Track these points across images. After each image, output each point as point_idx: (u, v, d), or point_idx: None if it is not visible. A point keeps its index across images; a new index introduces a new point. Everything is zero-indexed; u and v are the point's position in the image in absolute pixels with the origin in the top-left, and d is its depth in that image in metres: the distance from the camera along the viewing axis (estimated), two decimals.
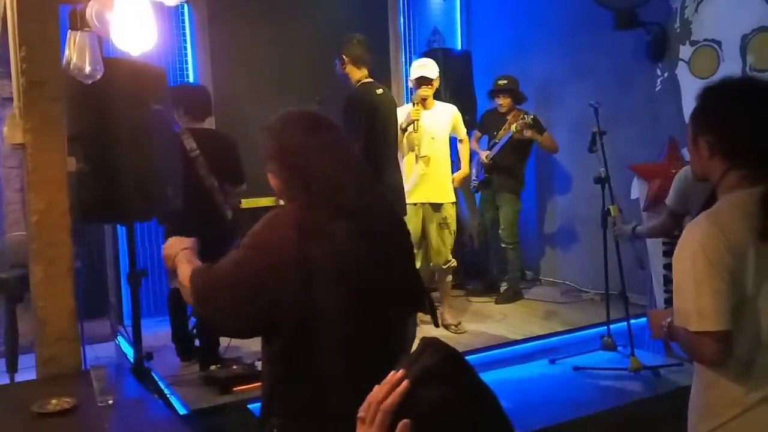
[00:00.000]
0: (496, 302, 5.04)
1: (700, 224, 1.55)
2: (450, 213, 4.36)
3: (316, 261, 1.48)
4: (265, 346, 1.62)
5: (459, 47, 6.17)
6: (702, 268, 1.50)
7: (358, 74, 3.89)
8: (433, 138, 4.33)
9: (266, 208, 1.91)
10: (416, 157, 4.31)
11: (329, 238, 1.50)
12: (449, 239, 4.36)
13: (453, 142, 4.65)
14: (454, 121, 4.48)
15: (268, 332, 1.56)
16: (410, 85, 4.53)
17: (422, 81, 4.30)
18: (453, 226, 4.38)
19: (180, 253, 1.72)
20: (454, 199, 4.43)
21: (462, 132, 4.60)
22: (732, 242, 1.50)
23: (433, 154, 4.32)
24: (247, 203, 4.11)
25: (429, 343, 0.94)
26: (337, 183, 1.56)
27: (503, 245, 5.08)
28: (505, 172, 5.01)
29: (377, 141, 3.80)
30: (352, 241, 1.52)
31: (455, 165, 4.66)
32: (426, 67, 4.34)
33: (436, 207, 4.33)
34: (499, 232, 5.07)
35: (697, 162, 1.66)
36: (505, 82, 4.98)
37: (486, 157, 5.00)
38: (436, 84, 4.37)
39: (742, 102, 1.59)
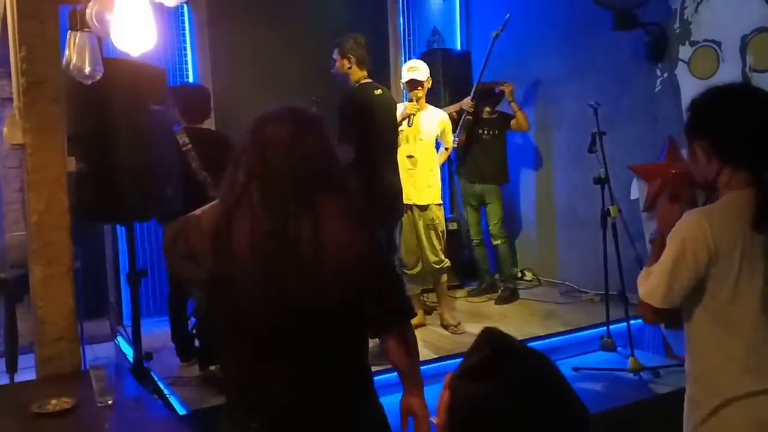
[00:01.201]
0: (496, 303, 5.04)
1: (693, 217, 1.66)
2: (437, 214, 4.37)
3: (214, 253, 1.57)
4: None
5: (458, 47, 6.17)
6: (676, 254, 1.64)
7: (359, 74, 3.89)
8: (421, 140, 4.35)
9: None
10: (405, 156, 4.31)
11: (228, 235, 1.57)
12: (438, 240, 4.36)
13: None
14: (443, 127, 4.51)
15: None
16: (402, 87, 4.53)
17: (413, 84, 4.31)
18: (441, 227, 4.38)
19: None
20: (440, 201, 4.45)
21: (449, 140, 4.65)
22: (717, 241, 1.60)
23: (419, 155, 4.34)
24: None
25: (484, 336, 0.92)
26: (244, 183, 1.59)
27: (495, 242, 5.10)
28: (491, 162, 5.08)
29: (372, 142, 3.79)
30: (250, 241, 1.56)
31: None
32: (416, 70, 4.34)
33: (423, 208, 4.34)
34: (490, 228, 5.09)
35: (697, 169, 1.74)
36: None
37: (469, 104, 4.99)
38: (426, 85, 4.37)
39: (728, 106, 1.71)
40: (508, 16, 4.89)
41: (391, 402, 1.75)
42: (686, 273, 1.63)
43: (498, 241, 5.09)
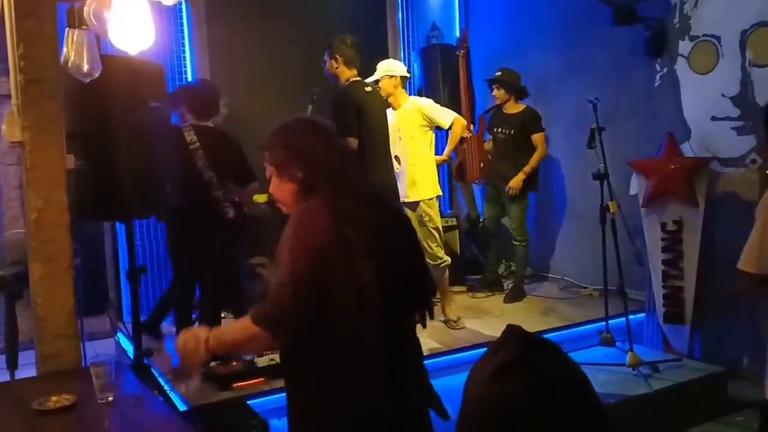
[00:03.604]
0: (505, 301, 4.98)
1: None
2: (426, 210, 4.26)
3: (353, 240, 1.63)
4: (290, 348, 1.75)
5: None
6: (762, 224, 1.88)
7: (348, 74, 3.95)
8: (400, 138, 4.27)
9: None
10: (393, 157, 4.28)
11: (361, 220, 1.66)
12: (433, 237, 4.27)
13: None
14: (424, 115, 4.30)
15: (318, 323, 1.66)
16: None
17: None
18: (434, 224, 4.28)
19: (209, 337, 1.73)
20: (431, 196, 4.31)
21: (442, 122, 4.37)
22: None
23: (402, 153, 4.27)
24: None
25: (512, 331, 0.94)
26: (349, 174, 1.73)
27: (515, 242, 5.04)
28: (509, 165, 4.92)
29: (365, 139, 3.82)
30: (377, 224, 1.68)
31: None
32: (377, 72, 4.25)
33: (412, 206, 4.23)
34: (511, 230, 5.06)
35: None
36: (500, 74, 4.89)
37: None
38: (387, 84, 4.21)
39: None
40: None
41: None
42: None
43: (516, 242, 5.02)
